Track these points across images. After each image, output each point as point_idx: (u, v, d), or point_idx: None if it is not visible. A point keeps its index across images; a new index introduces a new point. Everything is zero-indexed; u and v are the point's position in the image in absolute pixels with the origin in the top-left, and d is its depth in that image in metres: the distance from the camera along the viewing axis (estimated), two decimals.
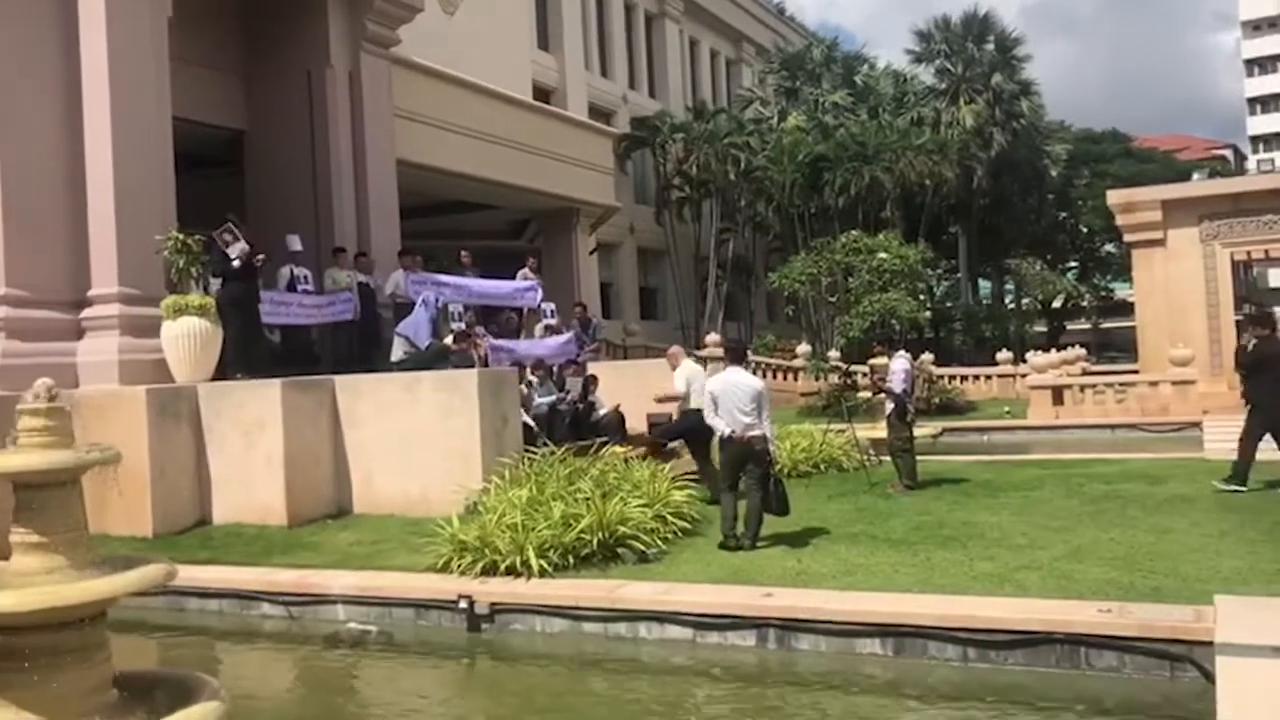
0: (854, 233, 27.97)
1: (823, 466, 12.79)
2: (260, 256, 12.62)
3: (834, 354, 27.33)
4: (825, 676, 6.56)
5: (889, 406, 11.68)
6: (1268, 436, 10.54)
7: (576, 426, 13.19)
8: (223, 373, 11.68)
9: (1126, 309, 42.67)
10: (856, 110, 39.96)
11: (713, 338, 26.81)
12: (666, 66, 40.79)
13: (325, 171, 15.69)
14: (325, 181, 15.69)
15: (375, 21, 16.24)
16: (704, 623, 7.21)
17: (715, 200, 36.93)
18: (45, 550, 4.00)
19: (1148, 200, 22.99)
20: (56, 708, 3.86)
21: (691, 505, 9.56)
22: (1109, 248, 50.94)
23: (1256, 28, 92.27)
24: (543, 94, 29.78)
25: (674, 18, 41.02)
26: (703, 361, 15.58)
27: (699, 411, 10.23)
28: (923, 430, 12.92)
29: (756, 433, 8.86)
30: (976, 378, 28.42)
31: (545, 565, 8.01)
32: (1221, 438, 13.11)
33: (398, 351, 13.19)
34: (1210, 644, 5.73)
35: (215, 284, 12.36)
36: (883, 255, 25.54)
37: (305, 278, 14.37)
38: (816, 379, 26.46)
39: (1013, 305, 48.63)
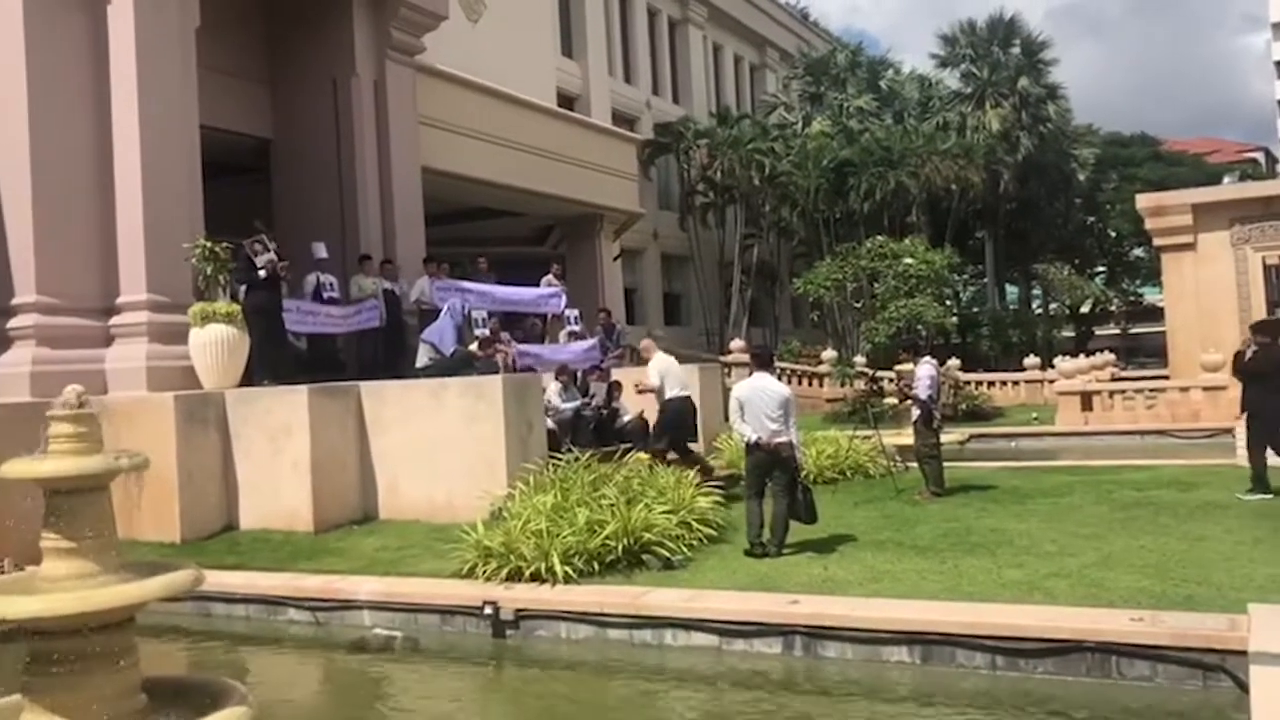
0: (879, 238, 27.78)
1: (849, 473, 12.73)
2: (285, 263, 12.70)
3: (859, 360, 27.21)
4: (852, 684, 6.51)
5: (915, 412, 11.61)
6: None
7: (601, 432, 13.19)
8: (249, 379, 11.76)
9: (1156, 314, 42.20)
10: (881, 115, 39.80)
11: (737, 344, 26.76)
12: (690, 72, 40.79)
13: (350, 179, 15.78)
14: (350, 189, 15.78)
15: (400, 29, 16.33)
16: (730, 630, 7.17)
17: (739, 206, 36.85)
18: (75, 555, 4.03)
19: (1177, 204, 22.75)
20: (85, 712, 3.89)
21: (717, 512, 9.52)
22: (1138, 252, 50.43)
23: None
24: (566, 100, 29.85)
25: (697, 24, 41.04)
26: (726, 368, 15.67)
27: (674, 400, 11.20)
28: (950, 436, 12.82)
29: (783, 439, 8.81)
30: (1004, 383, 28.22)
31: (570, 571, 8.01)
32: None
33: (423, 358, 13.24)
34: (1244, 653, 5.64)
35: (241, 291, 12.44)
36: (908, 260, 25.36)
37: (331, 285, 14.46)
38: (842, 385, 26.35)
39: (1040, 310, 48.15)
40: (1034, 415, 22.21)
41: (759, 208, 37.30)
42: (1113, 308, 52.34)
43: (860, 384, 24.95)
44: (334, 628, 8.44)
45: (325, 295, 14.31)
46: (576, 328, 16.67)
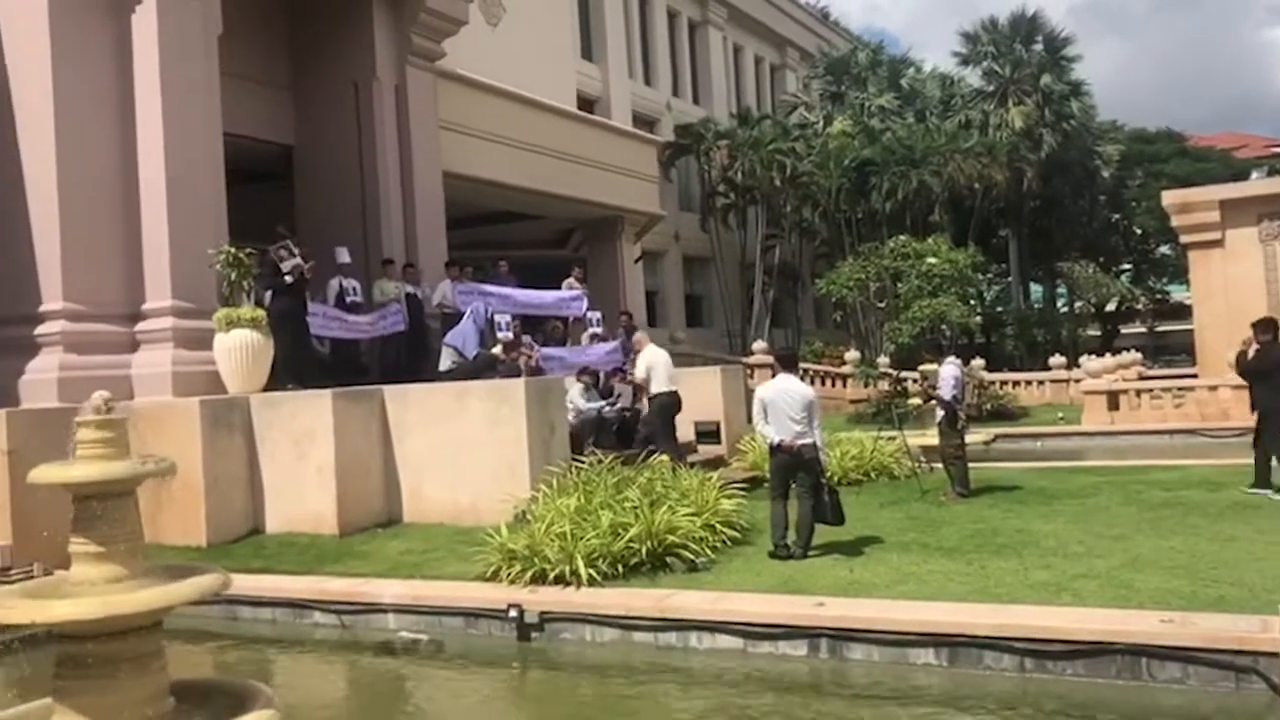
0: (902, 237, 27.67)
1: (874, 474, 12.68)
2: (309, 265, 12.77)
3: (883, 360, 27.07)
4: (879, 687, 6.47)
5: (940, 413, 11.53)
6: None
7: (623, 435, 13.18)
8: (273, 384, 11.83)
9: (1183, 312, 41.78)
10: (903, 114, 39.60)
11: (759, 345, 26.69)
12: (710, 73, 40.74)
13: (373, 184, 15.86)
14: (373, 194, 15.86)
15: (420, 34, 16.40)
16: (755, 632, 7.14)
17: (761, 207, 36.76)
18: (103, 560, 4.06)
19: (1204, 200, 22.53)
20: (114, 715, 3.91)
21: (741, 514, 9.49)
22: (1164, 249, 49.85)
23: None
24: (587, 103, 29.89)
25: (717, 25, 40.99)
26: (749, 370, 15.84)
27: (659, 395, 11.80)
28: (975, 437, 12.71)
29: (806, 441, 8.78)
30: (1029, 383, 27.98)
31: (594, 574, 8.00)
32: None
33: (446, 361, 13.28)
34: (1277, 655, 5.59)
35: (266, 296, 12.52)
36: (932, 260, 25.23)
37: (354, 289, 14.53)
38: (865, 386, 26.25)
39: (1065, 309, 47.72)
40: (1060, 415, 22.03)
41: (780, 208, 37.18)
42: (1139, 306, 51.77)
43: (884, 385, 24.84)
44: (359, 631, 8.47)
45: (348, 300, 14.38)
46: (599, 330, 16.68)
